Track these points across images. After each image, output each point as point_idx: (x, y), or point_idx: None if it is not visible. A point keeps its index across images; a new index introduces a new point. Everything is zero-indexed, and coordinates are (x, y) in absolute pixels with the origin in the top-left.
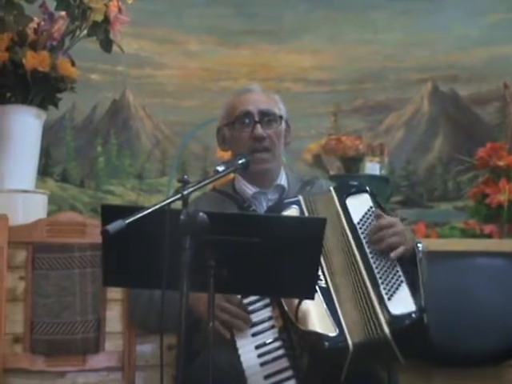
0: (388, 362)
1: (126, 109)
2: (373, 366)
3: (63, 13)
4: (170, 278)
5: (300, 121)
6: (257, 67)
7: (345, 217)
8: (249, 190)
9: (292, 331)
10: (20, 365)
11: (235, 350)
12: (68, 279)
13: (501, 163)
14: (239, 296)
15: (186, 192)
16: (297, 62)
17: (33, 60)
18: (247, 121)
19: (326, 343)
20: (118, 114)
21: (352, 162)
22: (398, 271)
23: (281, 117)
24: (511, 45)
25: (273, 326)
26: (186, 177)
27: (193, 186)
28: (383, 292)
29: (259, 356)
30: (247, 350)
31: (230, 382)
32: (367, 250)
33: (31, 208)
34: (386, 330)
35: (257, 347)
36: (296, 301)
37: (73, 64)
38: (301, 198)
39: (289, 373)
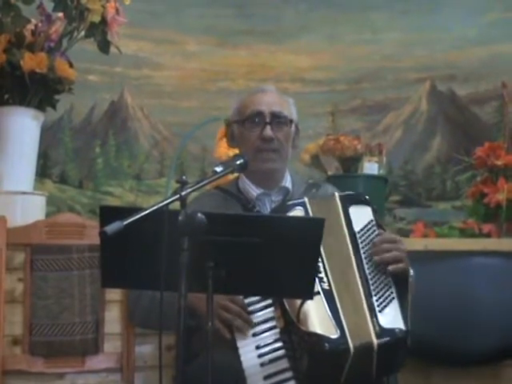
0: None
1: (124, 110)
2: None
3: (61, 14)
4: (168, 278)
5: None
6: (255, 67)
7: (346, 223)
8: (253, 190)
9: (293, 332)
10: (19, 366)
11: (235, 350)
12: (67, 281)
13: (499, 162)
14: (241, 297)
15: (184, 193)
16: (295, 62)
17: (30, 61)
18: (258, 120)
19: (327, 345)
20: (116, 115)
21: (350, 162)
22: (391, 287)
23: (291, 120)
24: (509, 44)
25: (274, 327)
26: (184, 178)
27: (191, 187)
28: (375, 303)
29: (259, 356)
30: (247, 350)
31: (229, 383)
32: (364, 260)
33: (29, 209)
34: (374, 340)
35: (257, 347)
36: (298, 302)
37: (70, 65)
38: (306, 199)
39: (289, 374)
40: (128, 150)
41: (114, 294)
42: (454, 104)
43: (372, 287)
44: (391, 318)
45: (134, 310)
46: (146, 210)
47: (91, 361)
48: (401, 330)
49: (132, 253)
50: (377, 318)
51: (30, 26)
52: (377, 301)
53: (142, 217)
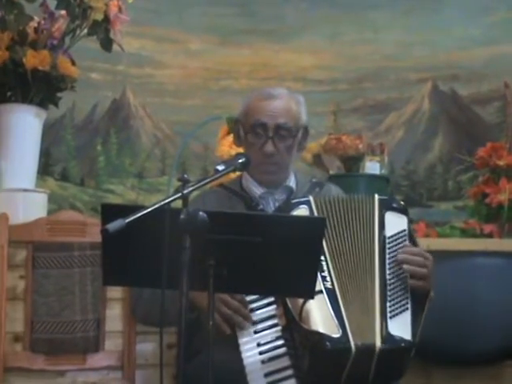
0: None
1: (127, 108)
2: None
3: (63, 12)
4: (169, 277)
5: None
6: (257, 66)
7: (379, 226)
8: (256, 189)
9: (295, 330)
10: (20, 364)
11: (236, 348)
12: (68, 278)
13: (501, 163)
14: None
15: (185, 191)
16: (297, 61)
17: (33, 59)
18: (261, 132)
19: (328, 344)
20: (119, 113)
21: (352, 162)
22: (407, 297)
23: (298, 129)
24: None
25: (276, 325)
26: (186, 176)
27: (193, 186)
28: (388, 308)
29: (261, 353)
30: (249, 348)
31: (229, 381)
32: (387, 265)
33: (31, 207)
34: (378, 343)
35: (259, 345)
36: (300, 300)
37: (73, 63)
38: (311, 198)
39: (289, 372)
40: (130, 148)
41: (115, 292)
42: (456, 104)
43: (389, 293)
44: (400, 326)
45: (136, 304)
46: (147, 208)
47: (92, 358)
48: (406, 340)
49: (133, 251)
50: (386, 323)
51: (33, 24)
52: (390, 307)
53: (143, 215)
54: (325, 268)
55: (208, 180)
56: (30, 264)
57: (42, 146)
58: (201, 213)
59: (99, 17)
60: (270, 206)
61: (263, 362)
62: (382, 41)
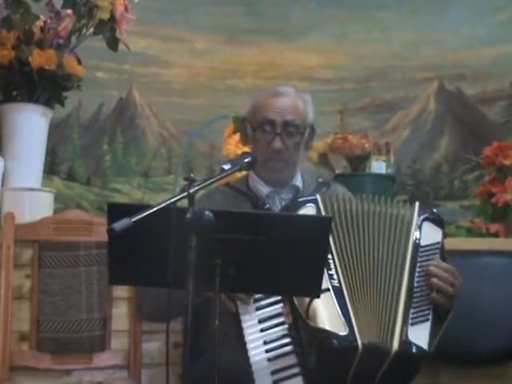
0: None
1: (133, 107)
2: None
3: (69, 11)
4: (176, 276)
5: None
6: (264, 66)
7: (414, 232)
8: (263, 188)
9: (302, 328)
10: (26, 363)
11: (242, 346)
12: (74, 277)
13: (507, 162)
14: None
15: (192, 190)
16: (304, 60)
17: (39, 58)
18: (268, 129)
19: (335, 341)
20: (125, 112)
21: (358, 161)
22: (430, 308)
23: (305, 127)
24: None
25: (282, 323)
26: (192, 175)
27: (199, 185)
28: (410, 315)
29: (267, 351)
30: (255, 345)
31: (236, 379)
32: (416, 273)
33: (37, 206)
34: (395, 346)
35: (265, 342)
36: (307, 298)
37: (79, 62)
38: (318, 196)
39: (296, 370)
40: (136, 148)
41: (121, 291)
42: (462, 103)
43: (414, 300)
44: (419, 335)
45: (141, 301)
46: (153, 207)
47: (98, 357)
48: (422, 349)
49: (140, 250)
50: (406, 329)
51: (39, 23)
52: (413, 314)
53: (149, 214)
54: (332, 266)
55: (214, 179)
56: (36, 263)
57: (47, 145)
58: (207, 212)
59: (105, 16)
60: (277, 205)
61: (270, 359)
62: (389, 40)
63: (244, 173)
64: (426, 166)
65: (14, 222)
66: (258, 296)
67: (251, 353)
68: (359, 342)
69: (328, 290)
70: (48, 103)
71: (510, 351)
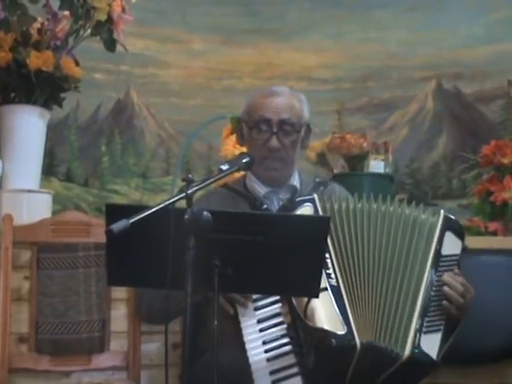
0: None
1: (130, 108)
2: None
3: (67, 12)
4: (174, 277)
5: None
6: (261, 66)
7: (437, 240)
8: (260, 189)
9: (300, 328)
10: (25, 364)
11: (241, 346)
12: (73, 279)
13: (505, 161)
14: None
15: (190, 191)
16: (301, 60)
17: (36, 60)
18: (264, 128)
19: (334, 340)
20: (122, 113)
21: (356, 161)
22: (443, 319)
23: (301, 125)
24: None
25: (281, 323)
26: (190, 176)
27: (197, 185)
28: (425, 323)
29: (266, 351)
30: (254, 345)
31: (235, 380)
32: (434, 282)
33: (35, 208)
34: (407, 351)
35: (264, 342)
36: (305, 298)
37: (77, 63)
38: (315, 196)
39: (295, 369)
40: (134, 148)
41: (120, 293)
42: (460, 102)
43: (430, 309)
44: (430, 344)
45: (140, 302)
46: (152, 208)
47: (97, 359)
48: (432, 358)
49: (138, 251)
50: (420, 336)
51: (37, 25)
52: (427, 322)
53: (148, 215)
54: (329, 265)
55: (212, 180)
56: (34, 265)
57: (45, 146)
58: (205, 213)
59: (102, 17)
60: (275, 205)
61: (269, 359)
62: (386, 40)
63: (242, 173)
64: (424, 165)
65: (12, 224)
66: (256, 296)
67: (250, 353)
68: (357, 341)
69: (326, 289)
70: (46, 105)
71: (508, 350)
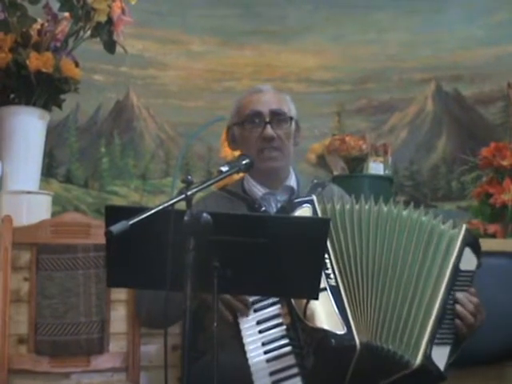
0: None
1: (130, 109)
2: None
3: (67, 14)
4: (174, 278)
5: (303, 121)
6: (260, 67)
7: (456, 256)
8: (258, 190)
9: (300, 328)
10: (24, 366)
11: (240, 348)
12: (72, 280)
13: (505, 163)
14: None
15: (189, 193)
16: (300, 62)
17: (36, 61)
18: (257, 121)
19: (333, 340)
20: (122, 114)
21: (356, 162)
22: (453, 333)
23: (291, 117)
24: None
25: (280, 324)
26: (189, 177)
27: (197, 187)
28: (437, 335)
29: (266, 353)
30: (254, 347)
31: (234, 381)
32: (450, 296)
33: (35, 209)
34: (419, 360)
35: (263, 344)
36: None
37: (76, 65)
38: (314, 197)
39: (295, 370)
40: (133, 150)
41: (119, 294)
42: (459, 104)
43: (445, 321)
44: (440, 356)
45: (139, 309)
46: (151, 209)
47: (96, 360)
48: (440, 371)
49: (137, 252)
50: (431, 346)
51: (36, 26)
52: (440, 334)
53: (147, 216)
54: (329, 266)
55: (212, 181)
56: (34, 266)
57: (45, 147)
58: (204, 214)
59: (102, 18)
60: (272, 207)
61: (268, 361)
62: (386, 42)
63: (240, 176)
64: (423, 167)
65: (11, 225)
66: (255, 298)
67: (250, 354)
68: (357, 341)
69: (325, 289)
70: (45, 106)
71: (507, 352)
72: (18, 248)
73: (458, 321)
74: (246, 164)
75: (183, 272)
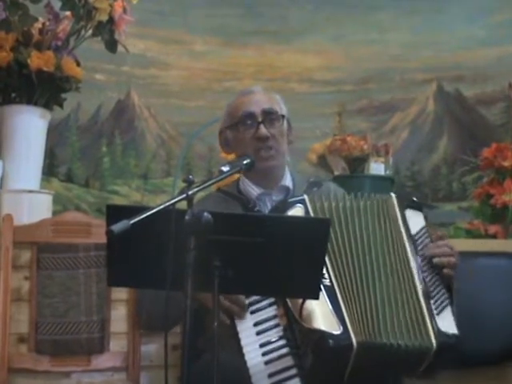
0: (399, 371)
1: (131, 109)
2: (378, 369)
3: (68, 13)
4: (174, 278)
5: (305, 121)
6: (262, 67)
7: (403, 225)
8: (253, 190)
9: (296, 329)
10: (25, 365)
11: (239, 349)
12: (73, 279)
13: (506, 164)
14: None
15: (190, 192)
16: (302, 62)
17: (38, 60)
18: (250, 122)
19: (330, 341)
20: (123, 114)
21: (357, 163)
22: (445, 292)
23: (283, 115)
24: None
25: (277, 325)
26: (190, 177)
27: (198, 186)
28: (433, 306)
29: (263, 354)
30: (252, 349)
31: (234, 382)
32: (421, 263)
33: (36, 208)
34: (433, 341)
35: (261, 345)
36: (300, 299)
37: (78, 64)
38: (306, 197)
39: (293, 371)
40: (134, 149)
41: (120, 293)
42: (460, 105)
43: (431, 289)
44: (447, 323)
45: (139, 312)
46: (152, 209)
47: (97, 360)
48: (455, 335)
49: (138, 252)
50: (435, 321)
51: (38, 25)
52: (434, 303)
53: (148, 216)
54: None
55: (213, 181)
56: (34, 265)
57: (46, 146)
58: (205, 214)
59: (104, 18)
60: (268, 207)
61: (266, 362)
62: (387, 42)
63: (236, 177)
64: (424, 167)
65: (12, 224)
66: (251, 299)
67: (248, 356)
68: (354, 340)
69: (320, 289)
70: (47, 105)
71: (507, 352)
72: (18, 247)
73: (445, 270)
74: (246, 164)
75: (184, 271)
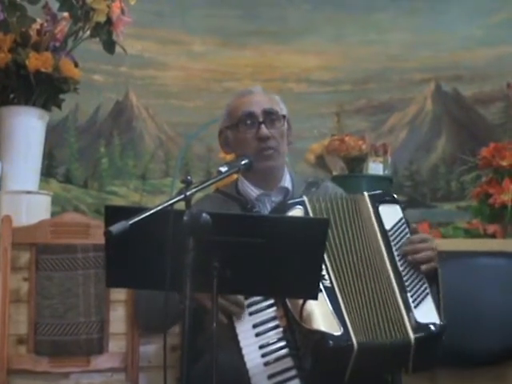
0: (393, 369)
1: (130, 110)
2: (377, 369)
3: (66, 14)
4: (173, 278)
5: (303, 121)
6: (260, 68)
7: (376, 222)
8: (252, 192)
9: (296, 330)
10: (24, 366)
11: (239, 350)
12: (71, 280)
13: (504, 163)
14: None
15: (189, 193)
16: (300, 62)
17: (36, 61)
18: (251, 122)
19: (331, 342)
20: (122, 114)
21: (355, 163)
22: (424, 283)
23: (284, 116)
24: None
25: (277, 326)
26: (189, 177)
27: (196, 187)
28: (410, 299)
29: (263, 356)
30: (251, 350)
31: (233, 383)
32: (397, 258)
33: (34, 209)
34: (411, 335)
35: (261, 347)
36: (300, 300)
37: (76, 65)
38: (305, 198)
39: (293, 372)
40: (133, 150)
41: (118, 294)
42: (459, 104)
43: (406, 283)
44: (427, 313)
45: (138, 302)
46: (151, 209)
47: (96, 360)
48: (437, 324)
49: (137, 252)
50: (412, 313)
51: (36, 26)
52: (411, 296)
53: (147, 216)
54: (323, 267)
55: (211, 181)
56: (33, 266)
57: (44, 147)
58: (204, 214)
59: (102, 19)
60: (267, 208)
61: (266, 364)
62: (386, 42)
63: (235, 177)
64: (423, 167)
65: (11, 225)
66: (250, 301)
67: (247, 358)
68: (354, 341)
69: (320, 290)
70: (45, 106)
71: (507, 352)
72: (17, 248)
73: (423, 266)
74: (245, 164)
75: (182, 272)
